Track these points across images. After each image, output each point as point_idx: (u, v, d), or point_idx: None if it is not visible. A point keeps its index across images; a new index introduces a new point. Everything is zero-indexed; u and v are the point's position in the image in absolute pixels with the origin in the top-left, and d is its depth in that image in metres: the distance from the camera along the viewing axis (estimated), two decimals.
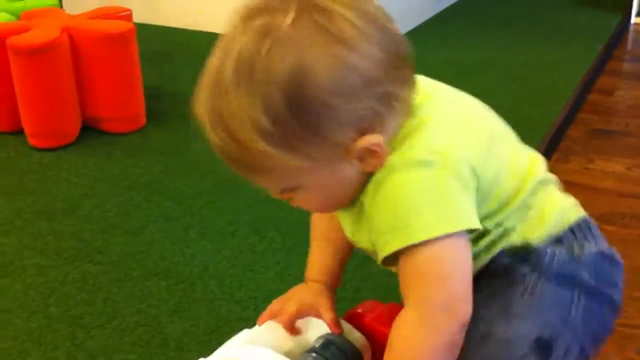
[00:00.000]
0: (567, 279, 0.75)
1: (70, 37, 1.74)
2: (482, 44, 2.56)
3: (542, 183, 0.77)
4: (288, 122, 0.65)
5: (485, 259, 0.75)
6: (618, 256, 0.80)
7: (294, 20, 0.65)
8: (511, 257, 0.75)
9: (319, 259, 0.86)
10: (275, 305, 0.85)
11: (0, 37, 1.71)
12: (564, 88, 2.11)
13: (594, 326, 0.77)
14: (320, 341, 0.78)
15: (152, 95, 1.96)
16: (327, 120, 0.66)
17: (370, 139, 0.68)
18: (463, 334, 0.69)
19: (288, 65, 0.64)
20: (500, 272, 0.75)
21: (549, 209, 0.76)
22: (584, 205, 0.82)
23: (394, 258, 0.70)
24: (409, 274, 0.69)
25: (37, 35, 1.69)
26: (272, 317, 0.84)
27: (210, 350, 0.81)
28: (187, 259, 1.34)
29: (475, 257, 0.74)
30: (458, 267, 0.69)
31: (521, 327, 0.72)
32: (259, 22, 0.66)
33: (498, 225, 0.74)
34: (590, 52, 2.42)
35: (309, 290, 0.84)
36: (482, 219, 0.72)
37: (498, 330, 0.72)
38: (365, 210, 0.72)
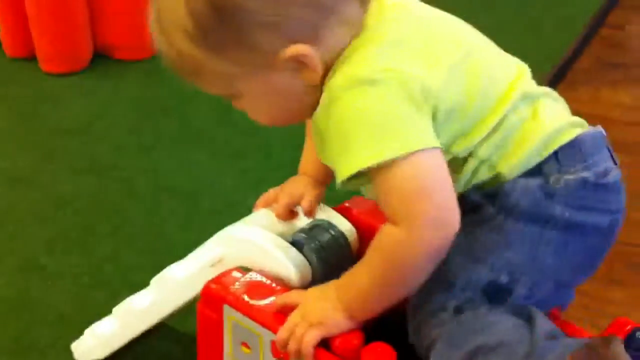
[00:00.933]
0: (536, 216, 0.71)
1: None
2: None
3: (527, 98, 0.72)
4: (212, 25, 0.66)
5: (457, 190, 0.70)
6: (611, 176, 0.73)
7: None
8: (479, 195, 0.72)
9: (311, 153, 0.87)
10: (270, 193, 0.89)
11: None
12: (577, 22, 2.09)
13: (574, 258, 0.73)
14: (309, 226, 0.82)
15: None
16: (250, 26, 0.66)
17: (297, 49, 0.67)
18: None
19: None
20: (469, 209, 0.71)
21: (533, 131, 0.71)
22: None
23: (356, 178, 0.68)
24: (386, 193, 0.67)
25: None
26: (266, 204, 0.88)
27: None
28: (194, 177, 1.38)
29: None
30: (439, 180, 0.67)
31: (474, 270, 0.70)
32: None
33: (471, 154, 0.70)
34: None
35: (300, 183, 0.88)
36: (449, 144, 0.69)
37: (452, 269, 0.70)
38: (321, 134, 0.71)
